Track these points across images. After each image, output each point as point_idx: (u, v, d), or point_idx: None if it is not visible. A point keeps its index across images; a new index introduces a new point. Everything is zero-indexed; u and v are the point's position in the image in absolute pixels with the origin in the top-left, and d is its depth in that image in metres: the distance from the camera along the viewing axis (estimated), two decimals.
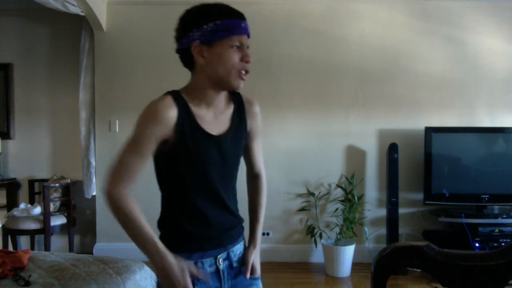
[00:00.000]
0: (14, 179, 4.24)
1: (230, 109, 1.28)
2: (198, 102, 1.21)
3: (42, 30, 4.26)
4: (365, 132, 3.93)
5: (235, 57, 1.16)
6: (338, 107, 3.94)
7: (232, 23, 1.15)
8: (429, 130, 3.63)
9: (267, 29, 3.91)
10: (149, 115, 1.16)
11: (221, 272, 1.25)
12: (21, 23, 4.26)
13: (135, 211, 1.14)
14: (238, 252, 1.31)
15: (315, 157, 3.94)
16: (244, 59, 1.17)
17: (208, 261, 1.23)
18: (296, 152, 3.92)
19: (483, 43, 3.90)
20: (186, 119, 1.17)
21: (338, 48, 3.93)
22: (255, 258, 1.33)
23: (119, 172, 1.17)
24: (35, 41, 4.26)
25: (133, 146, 1.17)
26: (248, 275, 1.29)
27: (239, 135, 1.29)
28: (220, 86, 1.20)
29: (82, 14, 3.74)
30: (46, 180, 4.08)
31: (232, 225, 1.30)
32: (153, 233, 1.15)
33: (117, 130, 3.99)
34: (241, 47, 1.17)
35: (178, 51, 1.22)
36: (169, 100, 1.17)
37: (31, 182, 4.17)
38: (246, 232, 1.40)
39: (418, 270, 3.48)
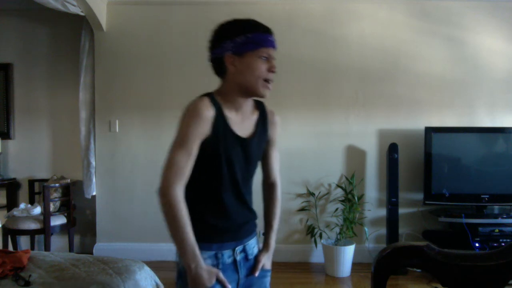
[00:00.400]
0: (14, 179, 4.24)
1: (255, 116, 1.41)
2: (229, 105, 1.33)
3: (42, 30, 4.26)
4: (365, 132, 3.93)
5: (262, 67, 1.29)
6: (338, 107, 3.94)
7: (261, 36, 1.28)
8: (429, 130, 3.63)
9: None
10: (192, 114, 1.25)
11: (238, 263, 1.37)
12: (21, 23, 4.26)
13: (183, 214, 1.24)
14: (252, 246, 1.43)
15: (315, 157, 3.94)
16: (270, 69, 1.30)
17: (227, 253, 1.34)
18: (296, 152, 3.92)
19: (483, 43, 3.90)
20: (220, 120, 1.29)
21: (338, 48, 3.94)
22: (267, 260, 1.46)
23: (170, 172, 1.25)
24: (35, 41, 4.26)
25: (180, 145, 1.25)
26: (257, 273, 1.41)
27: (261, 140, 1.42)
28: (247, 93, 1.33)
29: (82, 14, 3.74)
30: (46, 180, 4.08)
31: (249, 219, 1.42)
32: (194, 238, 1.25)
33: (117, 130, 3.99)
34: (268, 59, 1.30)
35: (211, 60, 1.35)
36: (207, 101, 1.28)
37: (31, 182, 4.17)
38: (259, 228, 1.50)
39: (418, 270, 3.48)
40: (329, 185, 3.92)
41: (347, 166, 3.93)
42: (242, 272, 1.38)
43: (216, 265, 1.31)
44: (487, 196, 3.55)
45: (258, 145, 1.40)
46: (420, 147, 3.70)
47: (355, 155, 3.94)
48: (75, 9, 3.63)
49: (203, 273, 1.24)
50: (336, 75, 3.93)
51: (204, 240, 1.30)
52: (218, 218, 1.34)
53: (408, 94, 3.91)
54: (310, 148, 3.93)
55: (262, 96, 1.33)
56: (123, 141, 4.01)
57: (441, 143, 3.64)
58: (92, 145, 4.02)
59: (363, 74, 3.92)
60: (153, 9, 4.00)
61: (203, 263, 1.25)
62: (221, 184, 1.32)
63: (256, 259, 1.43)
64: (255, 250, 1.44)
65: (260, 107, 1.44)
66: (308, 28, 3.93)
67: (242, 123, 1.35)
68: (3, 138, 4.20)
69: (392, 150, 3.63)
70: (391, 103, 3.92)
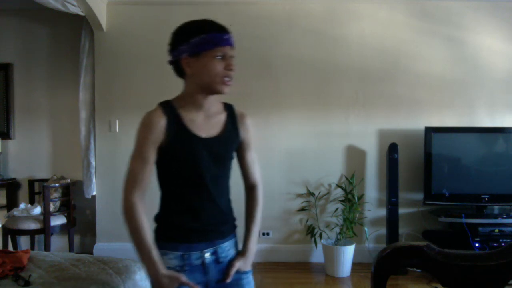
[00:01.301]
0: (14, 179, 4.24)
1: (223, 116, 1.41)
2: (189, 107, 1.35)
3: (42, 30, 4.26)
4: (365, 132, 3.93)
5: (218, 66, 1.29)
6: (338, 107, 3.94)
7: (216, 36, 1.29)
8: (429, 130, 3.63)
9: (267, 29, 3.91)
10: (142, 125, 1.31)
11: (206, 265, 1.34)
12: (21, 23, 4.26)
13: (138, 220, 1.27)
14: (227, 249, 1.40)
15: (315, 157, 3.94)
16: (227, 67, 1.30)
17: (195, 254, 1.33)
18: (296, 152, 3.92)
19: (483, 43, 3.90)
20: (175, 124, 1.31)
21: (338, 48, 3.93)
22: (242, 264, 1.41)
23: (128, 181, 1.30)
24: (35, 41, 4.26)
25: (135, 155, 1.31)
26: (229, 279, 1.37)
27: (231, 139, 1.41)
28: (207, 91, 1.33)
29: (82, 14, 3.74)
30: (46, 180, 4.08)
31: (221, 221, 1.40)
32: (151, 244, 1.27)
33: (117, 130, 3.99)
34: (224, 57, 1.30)
35: (170, 62, 1.40)
36: (158, 110, 1.33)
37: (31, 182, 4.17)
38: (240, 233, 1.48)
39: (418, 270, 3.48)
40: (329, 185, 3.92)
41: (347, 166, 3.93)
42: (212, 275, 1.35)
43: (183, 266, 1.31)
44: (487, 196, 3.55)
45: (227, 143, 1.39)
46: (420, 147, 3.70)
47: (355, 155, 3.94)
48: (75, 9, 3.63)
49: (162, 279, 1.25)
50: (336, 75, 3.93)
51: (170, 240, 1.33)
52: (185, 218, 1.34)
53: (408, 94, 3.91)
54: (310, 148, 3.93)
55: (221, 93, 1.33)
56: (123, 141, 4.01)
57: (441, 143, 3.64)
58: (92, 145, 4.01)
59: (363, 74, 3.92)
60: (153, 9, 4.00)
61: (162, 269, 1.25)
62: (187, 185, 1.33)
63: (230, 263, 1.38)
64: (231, 253, 1.41)
65: (228, 109, 1.44)
66: (308, 28, 3.93)
67: (206, 122, 1.36)
68: (3, 138, 4.20)
69: (392, 150, 3.63)
70: (391, 103, 3.92)
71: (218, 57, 1.29)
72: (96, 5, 3.71)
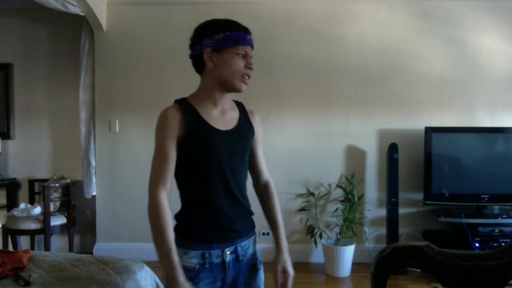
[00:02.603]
0: (14, 179, 4.24)
1: (236, 112, 1.44)
2: (205, 102, 1.37)
3: (42, 30, 4.26)
4: (365, 132, 3.93)
5: (239, 63, 1.33)
6: (338, 107, 3.94)
7: (239, 35, 1.33)
8: (429, 130, 3.63)
9: (267, 29, 3.91)
10: (159, 122, 1.33)
11: (226, 264, 1.35)
12: (21, 23, 4.26)
13: (161, 218, 1.25)
14: (246, 247, 1.41)
15: (315, 157, 3.94)
16: (247, 66, 1.35)
17: (215, 253, 1.33)
18: (296, 152, 3.92)
19: (483, 43, 3.90)
20: (192, 118, 1.33)
21: (338, 48, 3.94)
22: (285, 264, 1.43)
23: (152, 180, 1.30)
24: (35, 41, 4.26)
25: (156, 153, 1.32)
26: (278, 286, 1.40)
27: (246, 133, 1.43)
28: (225, 87, 1.36)
29: (82, 14, 3.74)
30: (46, 180, 4.08)
31: (241, 217, 1.40)
32: (173, 245, 1.24)
33: (117, 130, 3.99)
34: (245, 56, 1.35)
35: (192, 56, 1.39)
36: (174, 106, 1.35)
37: (31, 182, 4.17)
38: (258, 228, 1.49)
39: (418, 270, 3.48)
40: (329, 185, 3.92)
41: (347, 166, 3.93)
42: (231, 273, 1.36)
43: (203, 264, 1.31)
44: (487, 196, 3.55)
45: (243, 137, 1.41)
46: (420, 147, 3.70)
47: (355, 155, 3.94)
48: (75, 9, 3.63)
49: (177, 285, 1.20)
50: (336, 75, 3.93)
51: (192, 239, 1.32)
52: (206, 215, 1.33)
53: (408, 94, 3.91)
54: (310, 148, 3.93)
55: (239, 91, 1.36)
56: (123, 141, 4.01)
57: (441, 143, 3.64)
58: (92, 145, 4.02)
59: (363, 74, 3.92)
60: (153, 9, 3.99)
61: (179, 275, 1.20)
62: (207, 180, 1.33)
63: (274, 268, 1.39)
64: (249, 251, 1.42)
65: (239, 106, 1.48)
66: (308, 28, 3.93)
67: (222, 117, 1.38)
68: (3, 138, 4.20)
69: (392, 150, 3.63)
70: (391, 103, 3.92)
71: (240, 55, 1.33)
72: (96, 5, 3.71)
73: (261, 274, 1.47)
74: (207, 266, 1.31)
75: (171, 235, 1.25)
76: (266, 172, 1.53)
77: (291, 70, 3.92)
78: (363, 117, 3.93)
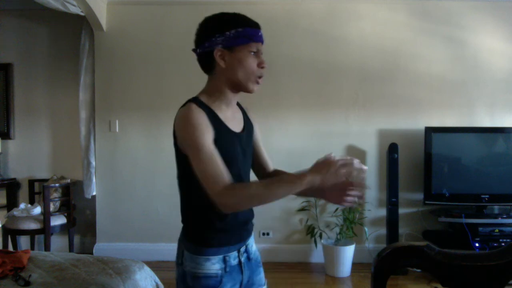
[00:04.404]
0: (14, 179, 4.23)
1: (240, 112, 1.41)
2: (218, 103, 1.29)
3: (42, 30, 4.26)
4: (365, 132, 3.93)
5: (253, 63, 1.27)
6: (338, 107, 3.94)
7: (251, 31, 1.27)
8: (429, 130, 3.63)
9: (267, 29, 3.87)
10: (190, 123, 1.18)
11: (242, 264, 1.34)
12: (21, 23, 4.25)
13: (252, 187, 1.21)
14: (251, 245, 1.40)
15: (315, 157, 3.87)
16: (260, 65, 1.29)
17: (232, 255, 1.31)
18: (296, 152, 3.92)
19: (483, 43, 3.90)
20: (213, 119, 1.24)
21: (338, 48, 3.93)
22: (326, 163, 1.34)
23: (208, 184, 1.17)
24: (35, 41, 4.26)
25: (199, 155, 1.17)
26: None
27: (251, 132, 1.42)
28: (237, 88, 1.30)
29: (82, 14, 3.74)
30: (46, 180, 4.08)
31: (250, 216, 1.40)
32: (280, 177, 1.26)
33: (117, 130, 3.99)
34: (257, 53, 1.29)
35: (199, 54, 1.30)
36: (195, 106, 1.22)
37: (31, 182, 4.17)
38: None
39: (418, 270, 3.48)
40: None
41: None
42: (246, 273, 1.35)
43: (225, 268, 1.28)
44: (487, 196, 3.55)
45: (250, 138, 1.40)
46: (420, 147, 3.70)
47: (355, 155, 3.89)
48: (75, 9, 3.63)
49: (326, 175, 1.24)
50: (336, 75, 3.93)
51: (212, 245, 1.27)
52: (225, 219, 1.27)
53: (408, 94, 3.91)
54: (310, 148, 3.93)
55: (251, 92, 1.30)
56: (123, 141, 4.01)
57: (441, 143, 3.64)
58: (92, 145, 4.02)
59: (363, 74, 3.92)
60: (153, 9, 3.99)
61: (314, 174, 1.24)
62: None
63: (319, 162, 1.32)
64: (253, 249, 1.43)
65: (237, 105, 1.43)
66: (308, 28, 3.93)
67: (233, 118, 1.34)
68: (3, 138, 4.20)
69: (392, 150, 3.63)
70: (391, 103, 3.92)
71: (252, 53, 1.26)
72: (96, 5, 3.71)
73: (263, 270, 1.48)
74: (228, 269, 1.29)
75: (275, 180, 1.24)
76: (271, 165, 1.52)
77: (291, 70, 3.92)
78: (363, 117, 3.93)
